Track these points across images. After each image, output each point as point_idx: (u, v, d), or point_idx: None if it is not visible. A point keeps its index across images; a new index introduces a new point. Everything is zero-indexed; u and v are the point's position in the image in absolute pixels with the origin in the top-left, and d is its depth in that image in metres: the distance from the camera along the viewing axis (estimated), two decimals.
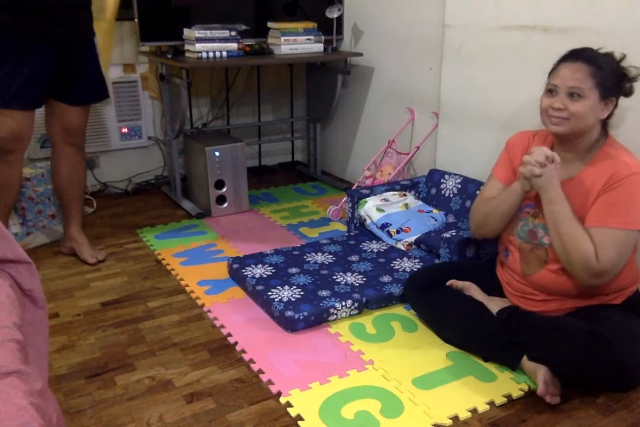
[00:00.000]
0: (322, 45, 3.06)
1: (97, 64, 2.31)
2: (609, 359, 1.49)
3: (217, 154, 2.83)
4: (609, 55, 1.63)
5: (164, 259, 2.47)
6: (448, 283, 1.92)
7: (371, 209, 2.52)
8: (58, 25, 2.08)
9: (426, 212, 2.51)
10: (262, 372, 1.72)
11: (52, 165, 2.41)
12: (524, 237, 1.74)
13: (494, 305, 1.81)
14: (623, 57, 1.63)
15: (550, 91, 1.62)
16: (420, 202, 2.60)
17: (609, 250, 1.53)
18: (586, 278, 1.58)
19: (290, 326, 1.91)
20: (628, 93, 1.64)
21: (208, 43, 2.76)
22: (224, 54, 2.80)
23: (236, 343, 1.87)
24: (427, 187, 2.64)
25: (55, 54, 2.11)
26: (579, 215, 1.59)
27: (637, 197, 1.55)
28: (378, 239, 2.48)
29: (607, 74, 1.58)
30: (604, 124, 1.66)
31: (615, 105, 1.63)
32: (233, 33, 2.81)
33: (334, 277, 2.16)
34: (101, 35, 2.87)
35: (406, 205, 2.54)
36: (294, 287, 2.08)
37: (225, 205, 2.94)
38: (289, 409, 1.56)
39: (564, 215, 1.58)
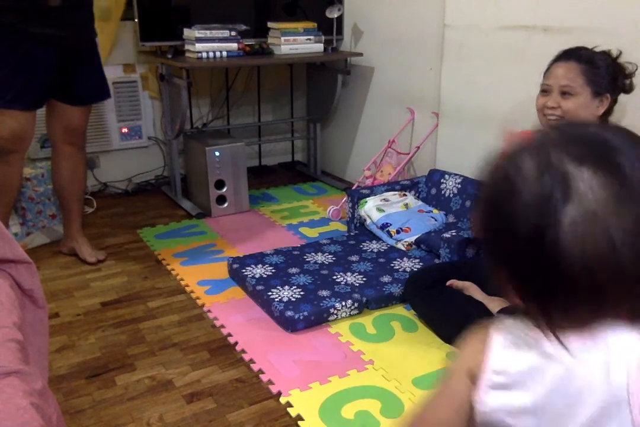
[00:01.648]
0: (322, 45, 3.06)
1: (99, 64, 2.31)
2: None
3: (217, 154, 2.83)
4: (604, 53, 1.63)
5: (164, 259, 2.47)
6: (448, 283, 1.92)
7: (371, 209, 2.52)
8: (60, 27, 2.08)
9: (426, 212, 2.51)
10: (262, 372, 1.72)
11: (53, 165, 2.41)
12: None
13: (494, 305, 1.81)
14: (619, 55, 1.63)
15: (545, 91, 1.64)
16: (420, 202, 2.60)
17: None
18: None
19: (290, 326, 1.91)
20: (627, 89, 1.64)
21: (208, 43, 2.76)
22: (224, 54, 2.80)
23: (236, 343, 1.87)
24: (427, 187, 2.64)
25: (57, 55, 2.10)
26: None
27: None
28: (378, 239, 2.48)
29: (599, 71, 1.59)
30: (604, 120, 1.66)
31: (614, 102, 1.63)
32: (233, 33, 2.81)
33: (334, 277, 2.16)
34: (103, 35, 2.87)
35: (406, 205, 2.54)
36: (294, 287, 2.08)
37: (225, 205, 2.94)
38: (289, 409, 1.56)
39: None
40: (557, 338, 0.62)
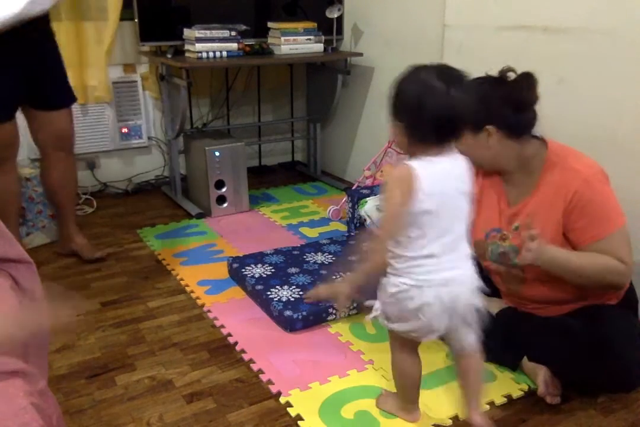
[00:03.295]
0: (322, 45, 3.06)
1: (62, 65, 2.22)
2: (609, 359, 1.49)
3: (217, 154, 2.83)
4: (477, 82, 1.50)
5: (164, 259, 2.47)
6: None
7: (371, 209, 2.51)
8: (18, 48, 2.01)
9: None
10: (262, 372, 1.72)
11: (42, 171, 2.39)
12: (497, 260, 1.69)
13: (494, 305, 1.81)
14: (501, 75, 1.54)
15: None
16: None
17: (621, 250, 1.51)
18: (624, 282, 1.57)
19: (289, 325, 1.91)
20: (526, 104, 1.52)
21: (208, 43, 2.76)
22: (224, 54, 2.80)
23: (236, 343, 1.87)
24: None
25: (17, 62, 2.03)
26: (549, 225, 1.57)
27: (604, 199, 1.52)
28: None
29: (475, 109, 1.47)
30: (534, 137, 1.59)
31: (510, 125, 1.53)
32: (233, 33, 2.81)
33: (334, 277, 2.15)
34: (103, 35, 2.88)
35: None
36: (294, 287, 2.08)
37: (225, 205, 2.94)
38: (288, 409, 1.56)
39: (571, 262, 1.53)
40: (433, 155, 1.24)
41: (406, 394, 1.51)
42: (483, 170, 1.71)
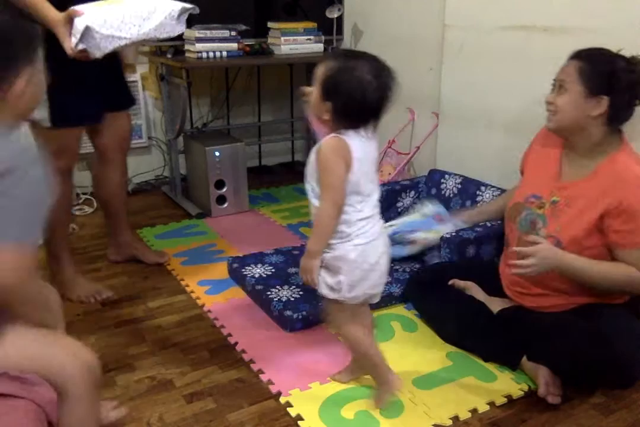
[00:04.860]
0: (322, 45, 3.06)
1: (122, 66, 2.23)
2: (607, 355, 1.49)
3: (217, 154, 2.83)
4: (615, 56, 1.59)
5: None
6: (450, 282, 1.92)
7: None
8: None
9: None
10: (262, 372, 1.72)
11: (99, 175, 2.30)
12: (525, 226, 1.74)
13: (495, 305, 1.81)
14: (637, 61, 1.58)
15: (552, 87, 1.64)
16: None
17: None
18: None
19: (288, 325, 1.91)
20: None
21: (208, 43, 2.76)
22: (224, 54, 2.81)
23: (236, 343, 1.87)
24: (427, 187, 2.64)
25: (101, 64, 1.97)
26: (586, 214, 1.59)
27: None
28: None
29: (598, 71, 1.55)
30: (618, 130, 1.63)
31: (620, 108, 1.57)
32: (233, 33, 2.81)
33: None
34: None
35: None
36: (294, 287, 2.08)
37: (225, 205, 2.94)
38: (288, 409, 1.56)
39: (588, 270, 1.57)
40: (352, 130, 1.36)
41: (379, 364, 1.55)
42: (542, 140, 1.78)
